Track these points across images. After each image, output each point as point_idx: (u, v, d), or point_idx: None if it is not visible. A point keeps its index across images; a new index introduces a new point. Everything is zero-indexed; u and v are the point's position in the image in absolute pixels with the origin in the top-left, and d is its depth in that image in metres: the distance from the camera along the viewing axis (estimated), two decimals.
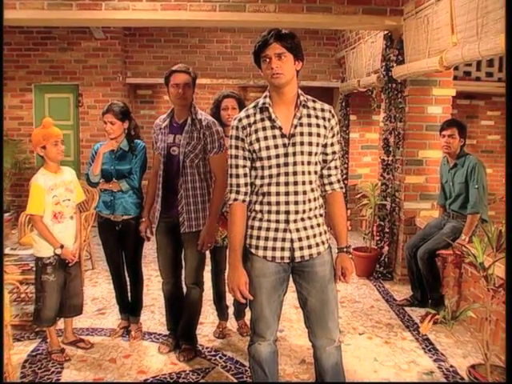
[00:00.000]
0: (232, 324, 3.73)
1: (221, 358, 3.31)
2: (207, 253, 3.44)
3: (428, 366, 3.25)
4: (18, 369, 3.11)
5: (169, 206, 3.17)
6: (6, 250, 4.04)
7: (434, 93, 4.67)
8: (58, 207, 3.15)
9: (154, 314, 3.99)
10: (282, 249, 2.22)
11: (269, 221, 2.22)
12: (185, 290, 3.34)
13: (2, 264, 2.99)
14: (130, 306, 3.62)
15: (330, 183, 2.31)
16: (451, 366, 3.24)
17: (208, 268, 3.59)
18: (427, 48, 3.99)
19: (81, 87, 7.17)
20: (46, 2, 4.45)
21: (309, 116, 2.22)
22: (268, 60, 2.13)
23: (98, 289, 4.60)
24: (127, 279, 3.59)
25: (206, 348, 3.44)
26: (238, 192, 2.24)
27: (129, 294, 3.63)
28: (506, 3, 2.52)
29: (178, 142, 3.12)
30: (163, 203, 3.18)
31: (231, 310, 3.71)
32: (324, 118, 2.24)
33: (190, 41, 7.41)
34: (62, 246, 3.14)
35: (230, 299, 3.67)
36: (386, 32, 4.90)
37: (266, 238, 2.22)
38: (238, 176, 2.24)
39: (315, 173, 2.24)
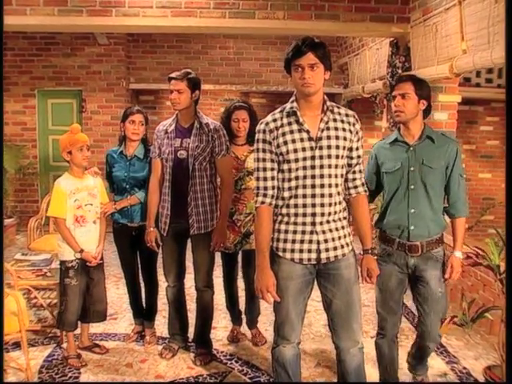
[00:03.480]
0: (245, 328, 3.74)
1: (236, 361, 3.33)
2: (219, 259, 3.46)
3: (441, 368, 3.29)
4: (35, 374, 3.12)
5: (178, 211, 3.18)
6: (17, 256, 4.03)
7: (439, 99, 4.67)
8: (80, 211, 3.17)
9: (166, 319, 3.95)
10: (309, 250, 2.25)
11: (295, 224, 2.25)
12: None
13: (1, 269, 2.98)
14: (144, 311, 3.63)
15: (355, 187, 2.36)
16: (464, 368, 3.28)
17: (220, 274, 3.62)
18: (436, 55, 4.04)
19: (84, 93, 7.16)
20: (57, 9, 4.43)
21: (335, 120, 2.27)
22: (301, 69, 2.16)
23: (108, 294, 4.48)
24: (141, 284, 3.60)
25: (221, 352, 3.46)
26: (265, 195, 2.27)
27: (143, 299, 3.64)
28: (506, 10, 2.58)
29: (186, 146, 3.15)
30: (172, 208, 3.20)
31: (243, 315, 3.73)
32: (349, 123, 2.29)
33: (193, 47, 7.43)
34: (81, 251, 3.15)
35: (242, 306, 3.69)
36: (391, 39, 4.96)
37: (293, 241, 2.26)
38: (265, 179, 2.27)
39: (341, 176, 2.29)
